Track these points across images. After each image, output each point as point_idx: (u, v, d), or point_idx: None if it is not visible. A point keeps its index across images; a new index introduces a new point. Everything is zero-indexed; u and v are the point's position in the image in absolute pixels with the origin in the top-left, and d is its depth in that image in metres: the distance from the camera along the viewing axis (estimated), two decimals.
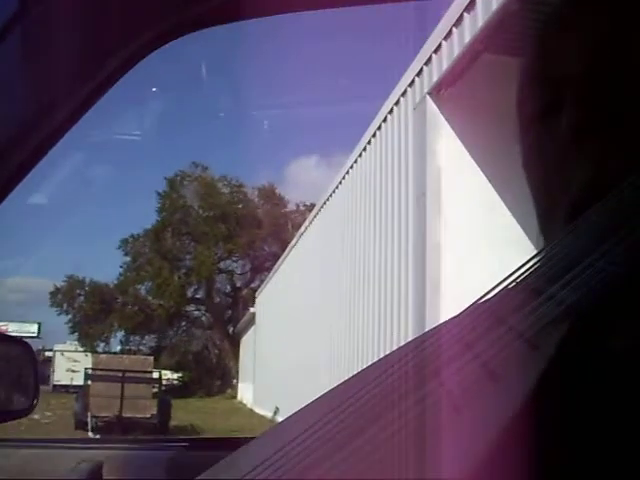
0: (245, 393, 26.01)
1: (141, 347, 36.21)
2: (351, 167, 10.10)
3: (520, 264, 0.37)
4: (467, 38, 5.54)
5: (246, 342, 28.46)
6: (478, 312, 0.36)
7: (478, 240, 5.77)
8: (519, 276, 0.36)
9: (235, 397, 28.92)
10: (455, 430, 0.25)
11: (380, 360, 0.45)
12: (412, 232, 6.83)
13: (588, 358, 0.26)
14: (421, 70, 6.68)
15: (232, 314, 36.67)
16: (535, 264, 0.35)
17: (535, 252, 0.38)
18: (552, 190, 0.48)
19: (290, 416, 0.52)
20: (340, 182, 10.85)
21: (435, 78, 6.27)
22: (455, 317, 0.38)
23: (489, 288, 0.37)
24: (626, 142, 0.44)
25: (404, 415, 0.28)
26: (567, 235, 0.36)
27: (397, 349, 0.46)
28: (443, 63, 6.08)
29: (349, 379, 0.49)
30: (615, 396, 0.27)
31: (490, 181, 5.97)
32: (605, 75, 0.47)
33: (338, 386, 0.49)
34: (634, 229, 0.29)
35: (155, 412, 14.38)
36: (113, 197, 47.06)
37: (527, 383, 0.24)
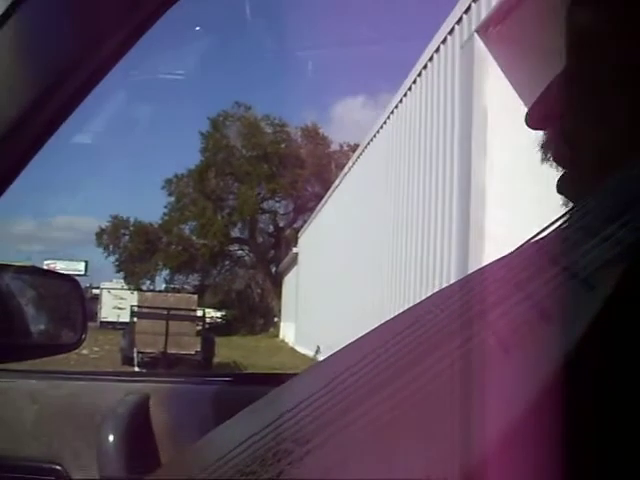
0: (287, 332, 26.34)
1: (185, 285, 36.84)
2: (396, 107, 9.99)
3: (571, 206, 0.36)
4: None
5: (288, 282, 28.71)
6: (529, 252, 0.35)
7: (524, 182, 5.68)
8: (573, 216, 0.35)
9: (277, 336, 29.31)
10: (503, 370, 0.25)
11: (425, 300, 0.45)
12: (457, 173, 6.75)
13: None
14: (469, 7, 6.51)
15: (275, 254, 36.97)
16: (590, 204, 0.34)
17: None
18: (613, 123, 0.45)
19: (333, 354, 0.52)
20: (384, 122, 10.75)
21: (483, 15, 6.11)
22: (504, 257, 0.37)
23: (540, 228, 0.36)
24: None
25: (450, 354, 0.27)
26: (626, 172, 0.34)
27: (443, 288, 0.45)
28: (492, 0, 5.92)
29: (392, 318, 0.49)
30: None
31: None
32: None
33: (381, 325, 0.49)
34: None
35: (199, 349, 14.65)
36: (157, 137, 47.32)
37: (582, 324, 0.24)
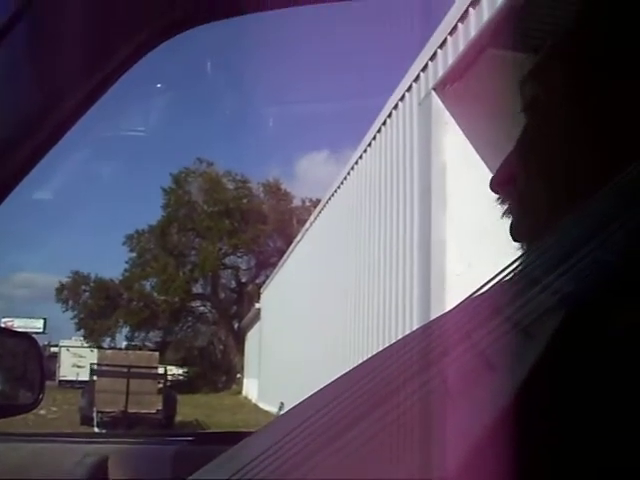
0: (250, 389, 26.07)
1: (147, 343, 36.34)
2: (356, 163, 10.10)
3: (520, 255, 0.38)
4: (472, 33, 5.53)
5: (251, 338, 28.53)
6: (476, 303, 0.36)
7: (483, 235, 5.75)
8: (517, 267, 0.37)
9: (240, 392, 28.99)
10: (451, 418, 0.26)
11: (382, 350, 0.46)
12: (417, 227, 6.82)
13: (583, 346, 0.27)
14: (426, 65, 6.67)
15: (237, 310, 36.77)
16: (534, 254, 0.36)
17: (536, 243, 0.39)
18: (556, 178, 0.49)
19: (294, 406, 0.52)
20: (345, 178, 10.85)
21: (440, 73, 6.26)
22: (454, 308, 0.38)
23: (488, 279, 0.37)
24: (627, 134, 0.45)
25: (403, 403, 0.28)
26: (566, 224, 0.36)
27: (399, 339, 0.46)
28: (448, 58, 6.07)
29: (352, 369, 0.49)
30: (611, 384, 0.27)
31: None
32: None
33: (340, 377, 0.49)
34: (632, 217, 0.30)
35: (161, 407, 14.42)
36: (118, 193, 47.22)
37: (522, 372, 0.25)
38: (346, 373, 0.50)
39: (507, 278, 0.37)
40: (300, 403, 0.51)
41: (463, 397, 0.27)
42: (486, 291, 0.37)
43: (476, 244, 5.81)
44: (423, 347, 0.36)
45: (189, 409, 16.91)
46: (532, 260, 0.36)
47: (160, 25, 0.82)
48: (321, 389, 0.51)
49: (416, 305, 6.74)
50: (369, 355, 0.49)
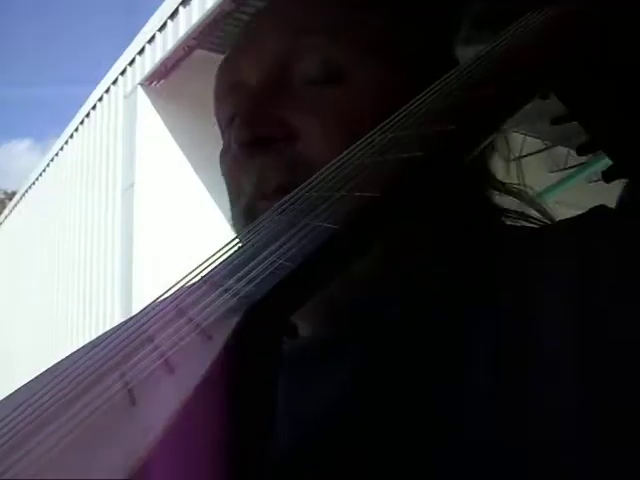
0: None
1: None
2: (56, 154, 9.64)
3: (206, 258, 0.39)
4: (181, 32, 5.55)
5: None
6: (162, 306, 0.36)
7: (184, 231, 5.80)
8: (204, 269, 0.38)
9: None
10: (133, 424, 0.26)
11: (76, 350, 0.44)
12: (120, 222, 6.69)
13: (252, 355, 0.28)
14: (134, 60, 6.56)
15: None
16: (221, 257, 0.37)
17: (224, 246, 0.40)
18: (237, 187, 0.52)
19: None
20: (44, 170, 10.31)
21: (148, 69, 6.20)
22: (141, 311, 0.38)
23: (176, 281, 0.38)
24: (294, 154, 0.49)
25: (81, 411, 0.27)
26: (252, 229, 0.38)
27: (90, 341, 0.45)
28: (157, 55, 6.02)
29: (36, 377, 0.47)
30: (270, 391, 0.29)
31: (198, 175, 6.03)
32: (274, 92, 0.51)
33: (26, 384, 0.47)
34: (305, 226, 0.32)
35: None
36: None
37: (199, 373, 0.25)
38: (32, 380, 0.48)
39: (194, 280, 0.38)
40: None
41: (144, 402, 0.27)
42: (172, 294, 0.38)
43: (177, 240, 5.83)
44: (109, 350, 0.35)
45: None
46: (220, 263, 0.37)
47: None
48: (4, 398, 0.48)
49: (117, 298, 6.62)
50: (68, 353, 0.47)
